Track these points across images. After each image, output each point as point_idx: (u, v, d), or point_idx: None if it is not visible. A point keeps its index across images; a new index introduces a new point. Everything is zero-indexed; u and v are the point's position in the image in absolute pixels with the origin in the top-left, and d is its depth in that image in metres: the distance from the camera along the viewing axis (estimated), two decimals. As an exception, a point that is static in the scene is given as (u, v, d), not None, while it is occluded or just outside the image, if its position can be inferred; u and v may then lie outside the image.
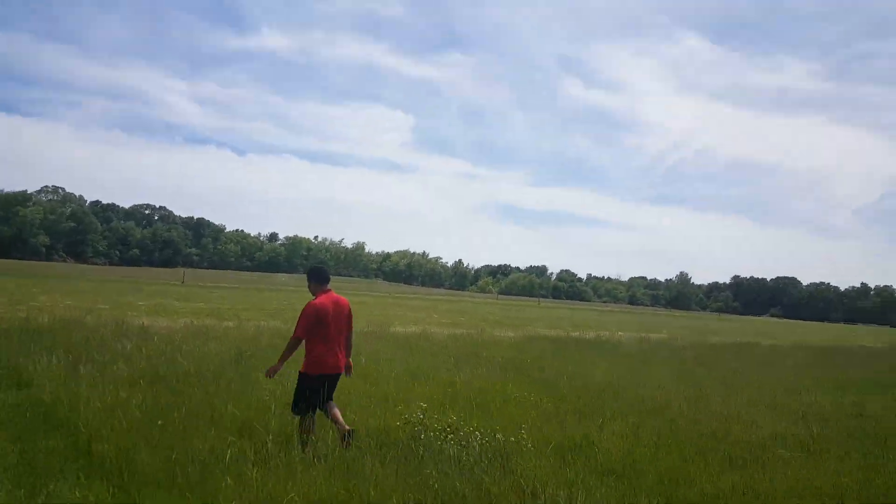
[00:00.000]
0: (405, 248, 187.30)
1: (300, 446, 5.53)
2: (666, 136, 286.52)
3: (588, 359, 14.35)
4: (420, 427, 6.31)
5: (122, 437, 5.44)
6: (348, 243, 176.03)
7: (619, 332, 27.38)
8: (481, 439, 6.06)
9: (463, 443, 5.97)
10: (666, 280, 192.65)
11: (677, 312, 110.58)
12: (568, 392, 9.53)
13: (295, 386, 5.80)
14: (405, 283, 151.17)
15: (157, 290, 40.08)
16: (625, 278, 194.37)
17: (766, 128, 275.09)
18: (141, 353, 9.17)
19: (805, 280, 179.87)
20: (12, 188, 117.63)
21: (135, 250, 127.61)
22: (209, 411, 6.27)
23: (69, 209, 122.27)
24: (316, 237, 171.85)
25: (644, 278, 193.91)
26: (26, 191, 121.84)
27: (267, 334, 13.64)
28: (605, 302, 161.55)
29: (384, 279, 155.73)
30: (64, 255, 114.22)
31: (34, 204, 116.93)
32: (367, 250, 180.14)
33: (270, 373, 5.83)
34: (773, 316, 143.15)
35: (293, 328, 5.76)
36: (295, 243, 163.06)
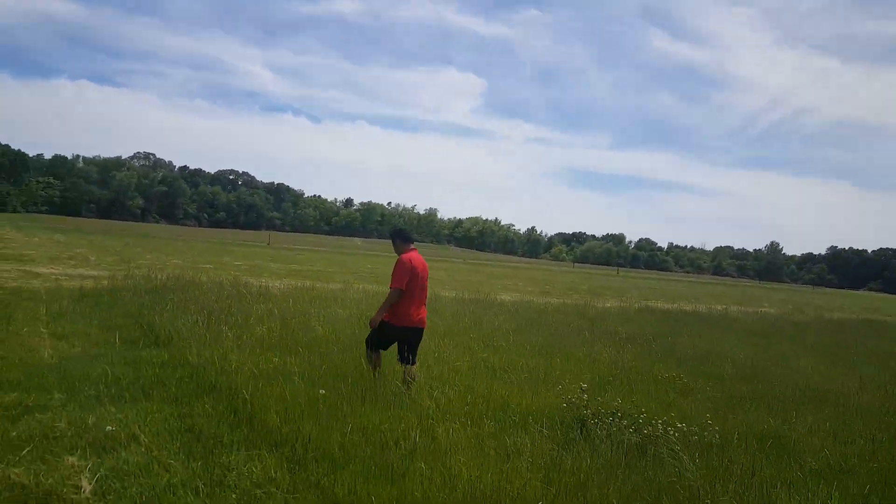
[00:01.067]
0: (477, 215, 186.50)
1: (373, 370, 6.02)
2: (761, 93, 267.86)
3: (714, 335, 13.21)
4: (587, 410, 5.61)
5: (287, 407, 5.02)
6: (420, 209, 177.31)
7: (721, 306, 25.69)
8: (666, 428, 5.28)
9: (645, 430, 5.22)
10: (755, 250, 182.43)
11: (768, 284, 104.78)
12: (721, 374, 8.57)
13: (377, 330, 6.07)
14: (477, 250, 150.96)
15: (249, 251, 41.26)
16: (709, 247, 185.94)
17: (876, 84, 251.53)
18: (273, 314, 8.87)
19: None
20: (108, 154, 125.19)
21: (221, 213, 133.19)
22: (363, 381, 5.79)
23: (160, 174, 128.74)
24: (389, 203, 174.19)
25: (731, 248, 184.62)
26: (121, 157, 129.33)
27: (377, 298, 13.30)
28: (687, 272, 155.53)
29: (456, 245, 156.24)
30: (157, 217, 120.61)
31: (128, 169, 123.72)
32: (439, 216, 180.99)
33: (373, 323, 6.03)
34: (871, 290, 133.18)
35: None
36: (369, 209, 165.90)
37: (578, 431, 5.32)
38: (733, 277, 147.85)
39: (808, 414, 6.36)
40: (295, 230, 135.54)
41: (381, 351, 6.20)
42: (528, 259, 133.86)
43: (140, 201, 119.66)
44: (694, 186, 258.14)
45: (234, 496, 3.69)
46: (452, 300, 14.82)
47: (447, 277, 30.03)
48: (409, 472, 4.01)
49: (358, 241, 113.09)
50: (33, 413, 4.86)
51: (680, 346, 10.85)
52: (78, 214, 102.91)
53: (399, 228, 6.29)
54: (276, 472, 4.03)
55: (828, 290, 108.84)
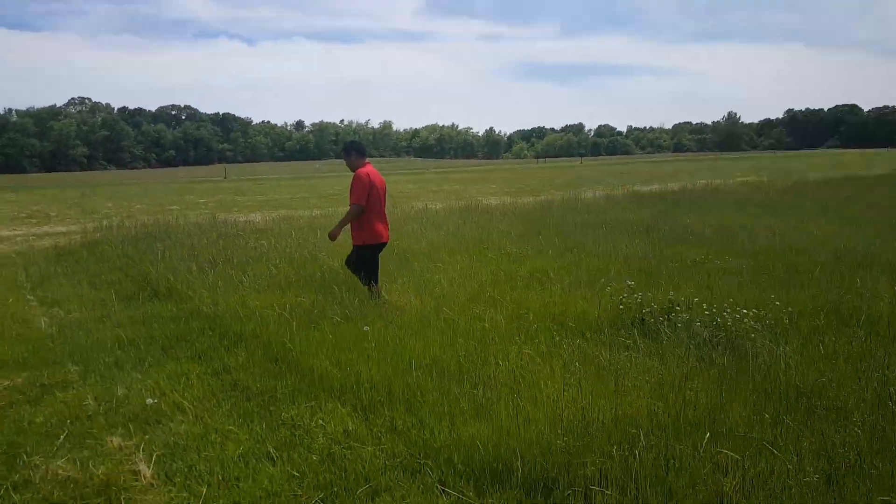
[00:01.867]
0: (433, 122, 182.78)
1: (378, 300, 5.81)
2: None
3: (716, 210, 13.06)
4: (645, 309, 5.29)
5: (334, 349, 4.58)
6: (375, 123, 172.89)
7: (700, 181, 25.75)
8: (734, 315, 5.00)
9: (715, 321, 4.93)
10: (713, 122, 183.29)
11: (730, 154, 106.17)
12: (752, 249, 8.34)
13: (360, 260, 5.94)
14: (437, 158, 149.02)
15: (208, 187, 39.58)
16: (668, 126, 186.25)
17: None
18: (274, 250, 8.25)
19: (866, 106, 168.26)
20: (42, 104, 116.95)
21: (170, 152, 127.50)
22: (401, 313, 5.36)
23: (100, 118, 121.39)
24: (342, 121, 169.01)
25: (689, 123, 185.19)
26: (55, 105, 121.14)
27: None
28: (648, 153, 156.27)
29: (415, 156, 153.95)
30: (104, 163, 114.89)
31: (66, 117, 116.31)
32: (394, 128, 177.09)
33: (333, 235, 5.87)
34: (829, 148, 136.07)
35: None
36: (322, 129, 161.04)
37: (643, 333, 5.01)
38: (693, 152, 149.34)
39: (867, 281, 6.13)
40: (248, 160, 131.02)
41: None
42: (489, 161, 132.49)
43: (84, 149, 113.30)
44: (647, 66, 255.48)
45: (314, 458, 3.29)
46: (443, 211, 14.31)
47: (420, 190, 29.35)
48: (496, 406, 3.65)
49: (316, 163, 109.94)
50: (53, 392, 4.34)
51: (693, 227, 10.63)
52: (21, 171, 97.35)
53: (352, 141, 6.08)
54: (350, 424, 3.64)
55: (788, 152, 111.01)
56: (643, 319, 5.29)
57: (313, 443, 3.46)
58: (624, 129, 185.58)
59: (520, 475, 2.96)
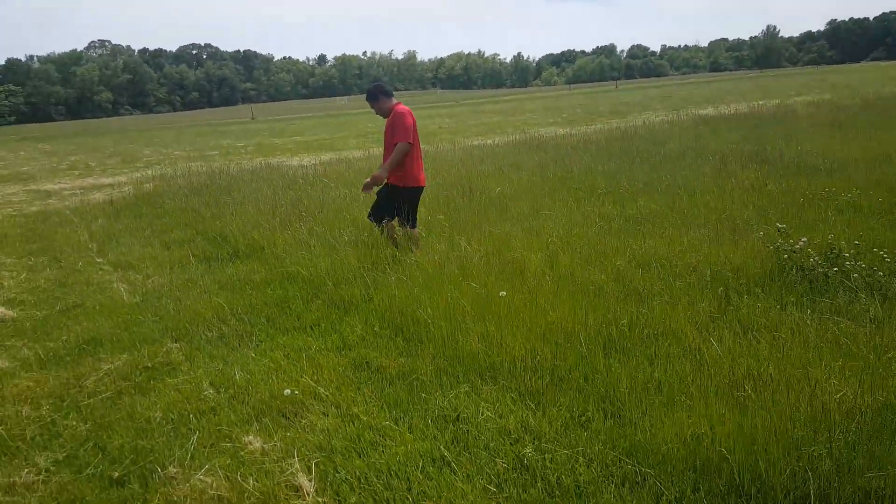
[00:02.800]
0: (458, 51, 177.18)
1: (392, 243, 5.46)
2: None
3: (803, 135, 11.93)
4: (811, 259, 4.55)
5: (473, 317, 3.98)
6: (398, 55, 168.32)
7: (760, 101, 24.13)
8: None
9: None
10: (751, 38, 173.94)
11: (771, 72, 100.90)
12: (884, 180, 7.42)
13: (402, 202, 5.41)
14: (464, 89, 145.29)
15: (241, 129, 38.89)
16: (704, 43, 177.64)
17: None
18: (355, 201, 7.57)
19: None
20: (62, 49, 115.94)
21: (193, 94, 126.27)
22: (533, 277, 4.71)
23: (121, 62, 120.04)
24: (364, 53, 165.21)
25: (725, 40, 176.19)
26: (76, 49, 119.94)
27: (429, 157, 11.97)
28: (683, 73, 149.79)
29: (441, 87, 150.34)
30: (129, 108, 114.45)
31: (87, 62, 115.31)
32: (419, 59, 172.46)
33: (379, 179, 5.27)
34: (874, 60, 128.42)
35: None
36: (345, 63, 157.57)
37: (815, 288, 4.31)
38: (731, 71, 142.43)
39: None
40: (272, 99, 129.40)
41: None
42: (520, 90, 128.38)
43: (108, 94, 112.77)
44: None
45: (502, 464, 2.74)
46: (507, 147, 13.42)
47: (459, 125, 28.19)
48: (714, 398, 3.03)
49: (342, 100, 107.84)
50: (161, 377, 3.86)
51: (791, 154, 9.66)
52: (48, 119, 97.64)
53: (375, 84, 5.50)
54: (531, 418, 3.05)
55: (828, 67, 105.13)
56: (804, 269, 4.58)
57: (490, 442, 2.91)
58: (657, 48, 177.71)
59: None
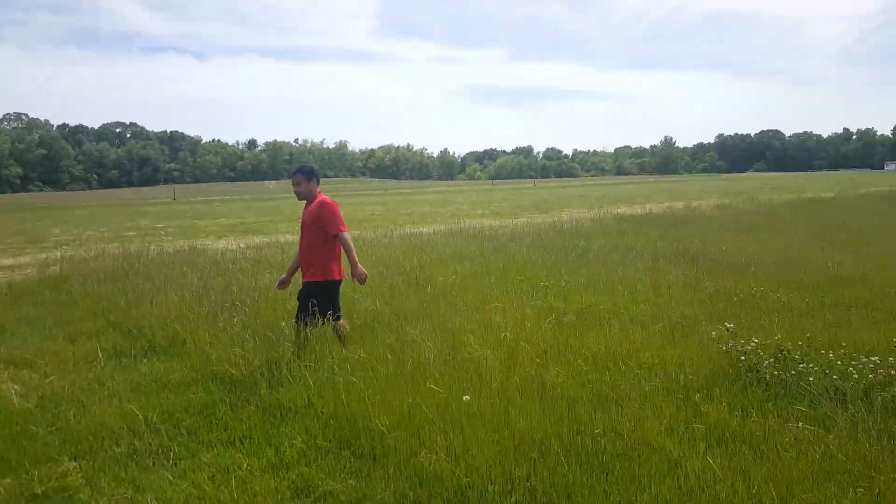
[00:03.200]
0: (389, 143, 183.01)
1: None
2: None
3: (722, 237, 12.53)
4: (764, 360, 4.48)
5: (426, 430, 3.52)
6: (330, 143, 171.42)
7: (666, 204, 25.75)
8: (868, 365, 4.25)
9: (851, 372, 4.17)
10: (651, 147, 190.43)
11: (669, 177, 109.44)
12: (801, 281, 7.73)
13: (330, 298, 5.12)
14: (393, 178, 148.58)
15: (161, 210, 37.46)
16: (610, 149, 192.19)
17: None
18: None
19: (788, 132, 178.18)
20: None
21: (113, 172, 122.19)
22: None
23: (37, 136, 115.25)
24: (296, 140, 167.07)
25: (629, 147, 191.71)
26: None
27: (366, 244, 11.64)
28: (592, 175, 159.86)
29: (371, 176, 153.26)
30: (40, 184, 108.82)
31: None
32: (350, 149, 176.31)
33: (363, 276, 5.11)
34: (757, 171, 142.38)
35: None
36: (276, 149, 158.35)
37: (769, 391, 4.21)
38: (634, 175, 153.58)
39: None
40: (196, 181, 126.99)
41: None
42: (445, 182, 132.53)
43: (17, 169, 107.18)
44: (589, 91, 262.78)
45: None
46: (444, 236, 13.33)
47: (390, 212, 28.32)
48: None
49: (270, 184, 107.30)
50: (53, 508, 3.14)
51: (711, 253, 10.05)
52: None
53: (311, 167, 5.48)
54: None
55: (720, 175, 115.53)
56: (758, 370, 4.50)
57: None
58: (570, 151, 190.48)
59: None
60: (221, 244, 14.96)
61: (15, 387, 4.97)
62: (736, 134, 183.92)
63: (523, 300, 6.81)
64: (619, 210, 22.73)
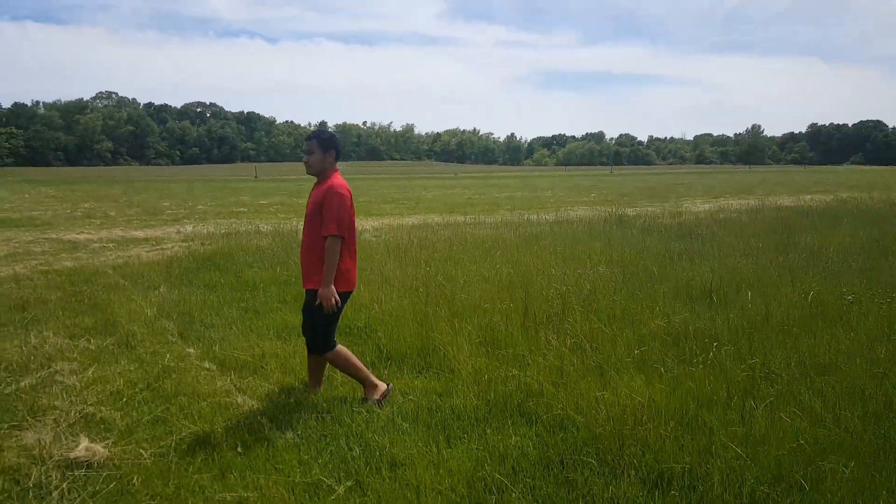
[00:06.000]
0: (455, 127, 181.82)
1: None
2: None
3: (866, 232, 10.31)
4: None
5: None
6: (397, 126, 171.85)
7: (777, 197, 23.15)
8: None
9: None
10: (735, 135, 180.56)
11: (756, 168, 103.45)
12: None
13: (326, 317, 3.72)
14: (458, 162, 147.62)
15: (252, 187, 37.49)
16: (689, 137, 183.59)
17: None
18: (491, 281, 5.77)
19: (891, 122, 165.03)
20: (69, 97, 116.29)
21: (194, 149, 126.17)
22: None
23: (125, 113, 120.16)
24: (364, 122, 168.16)
25: (710, 135, 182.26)
26: (83, 99, 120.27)
27: (476, 227, 10.35)
28: (670, 163, 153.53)
29: (436, 160, 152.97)
30: (128, 158, 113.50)
31: (92, 111, 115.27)
32: (416, 132, 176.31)
33: (332, 297, 3.66)
34: (854, 163, 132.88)
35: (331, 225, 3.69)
36: (345, 130, 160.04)
37: None
38: (716, 164, 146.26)
39: None
40: (271, 160, 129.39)
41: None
42: (511, 167, 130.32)
43: (108, 144, 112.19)
44: (667, 77, 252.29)
45: None
46: (599, 224, 11.79)
47: (482, 196, 26.92)
48: None
49: (340, 164, 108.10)
50: None
51: None
52: (46, 163, 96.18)
53: (329, 133, 3.96)
54: None
55: (812, 167, 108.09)
56: None
57: None
58: (644, 138, 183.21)
59: None
60: (367, 224, 13.94)
61: (242, 397, 3.94)
62: (831, 124, 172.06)
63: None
64: (779, 202, 20.22)
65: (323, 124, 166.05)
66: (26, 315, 5.84)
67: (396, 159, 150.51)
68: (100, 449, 3.19)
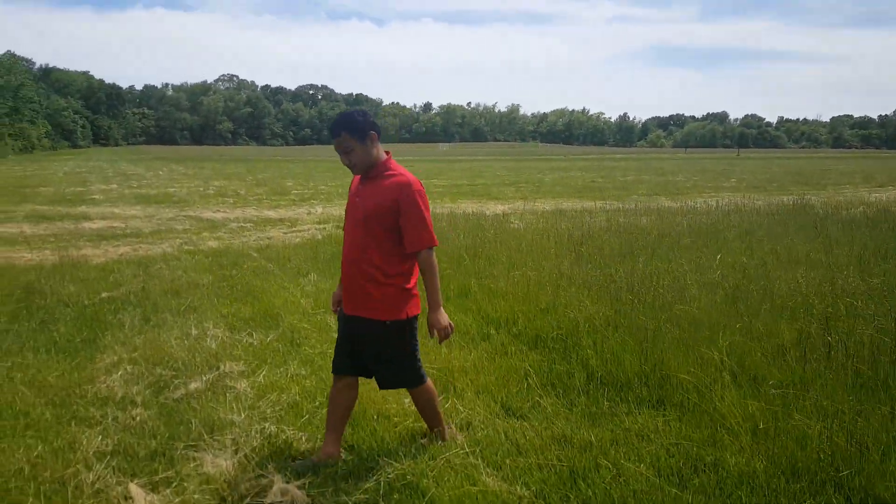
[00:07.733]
0: (562, 107, 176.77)
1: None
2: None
3: None
4: None
5: None
6: (502, 107, 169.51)
7: None
8: None
9: None
10: (879, 117, 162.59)
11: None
12: None
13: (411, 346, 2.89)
14: (564, 144, 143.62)
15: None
16: (825, 118, 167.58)
17: None
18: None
19: None
20: (194, 80, 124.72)
21: (306, 130, 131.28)
22: None
23: (245, 95, 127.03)
24: (469, 103, 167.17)
25: (850, 116, 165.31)
26: (206, 81, 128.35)
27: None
28: (802, 147, 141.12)
29: (541, 141, 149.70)
30: (246, 138, 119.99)
31: (214, 93, 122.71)
32: (521, 112, 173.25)
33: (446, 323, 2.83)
34: None
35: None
36: (449, 111, 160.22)
37: None
38: (858, 148, 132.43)
39: None
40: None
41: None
42: (622, 149, 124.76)
43: (229, 124, 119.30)
44: (798, 53, 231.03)
45: None
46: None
47: (610, 182, 25.18)
48: None
49: (443, 146, 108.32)
50: None
51: None
52: (173, 142, 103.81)
53: (354, 116, 2.81)
54: None
55: None
56: None
57: None
58: (773, 119, 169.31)
59: None
60: (496, 208, 13.19)
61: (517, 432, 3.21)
62: None
63: None
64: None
65: (427, 105, 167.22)
66: (182, 301, 5.52)
67: (500, 140, 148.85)
68: (297, 493, 2.57)
